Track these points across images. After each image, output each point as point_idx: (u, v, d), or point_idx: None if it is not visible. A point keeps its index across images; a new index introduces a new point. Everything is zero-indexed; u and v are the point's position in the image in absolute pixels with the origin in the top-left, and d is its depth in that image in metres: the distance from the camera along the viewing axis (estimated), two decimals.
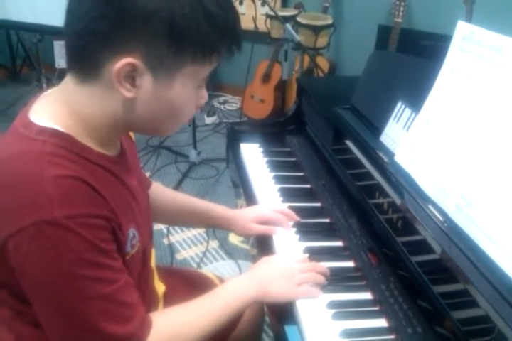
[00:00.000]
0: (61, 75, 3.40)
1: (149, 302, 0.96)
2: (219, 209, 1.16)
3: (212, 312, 0.84)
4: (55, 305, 0.70)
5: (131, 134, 0.97)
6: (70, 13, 0.71)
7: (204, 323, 0.83)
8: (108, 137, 0.78)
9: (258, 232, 1.11)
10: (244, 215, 1.13)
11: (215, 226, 1.19)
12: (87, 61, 0.71)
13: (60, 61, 3.47)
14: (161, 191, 1.15)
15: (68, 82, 0.75)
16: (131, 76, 0.69)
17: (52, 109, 0.75)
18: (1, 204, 0.68)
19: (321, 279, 0.93)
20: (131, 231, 0.79)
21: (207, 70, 0.75)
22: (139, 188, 0.89)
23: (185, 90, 0.74)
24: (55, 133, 0.72)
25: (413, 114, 1.02)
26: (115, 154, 0.82)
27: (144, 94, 0.72)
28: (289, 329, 0.86)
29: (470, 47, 0.91)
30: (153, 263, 1.01)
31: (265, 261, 0.97)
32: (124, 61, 0.68)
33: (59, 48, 3.45)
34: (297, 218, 1.13)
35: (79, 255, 0.68)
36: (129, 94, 0.71)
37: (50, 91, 0.80)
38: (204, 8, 0.68)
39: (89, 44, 0.69)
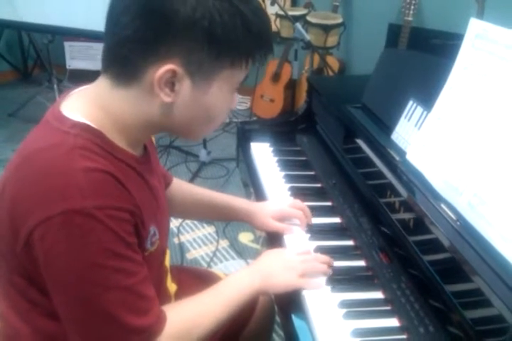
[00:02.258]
0: (72, 76, 3.44)
1: (162, 301, 0.96)
2: (238, 202, 1.16)
3: (220, 305, 0.85)
4: (76, 294, 0.71)
5: (152, 137, 0.98)
6: (113, 21, 0.72)
7: (212, 317, 0.84)
8: (137, 138, 0.80)
9: (275, 229, 1.10)
10: (265, 209, 1.13)
11: (234, 219, 1.19)
12: (127, 67, 0.73)
13: (71, 62, 3.49)
14: (180, 185, 1.17)
15: (102, 84, 0.77)
16: (170, 81, 0.72)
17: (85, 107, 0.77)
18: (31, 193, 0.69)
19: (323, 269, 0.94)
20: (152, 229, 0.80)
21: (242, 75, 0.77)
22: (160, 189, 0.90)
23: (221, 94, 0.77)
24: (87, 129, 0.73)
25: (425, 112, 1.02)
26: (140, 154, 0.83)
27: (182, 98, 0.74)
28: (300, 329, 0.86)
29: (483, 45, 0.90)
30: (167, 262, 1.01)
31: (267, 254, 0.98)
32: (166, 68, 0.70)
33: (70, 49, 3.47)
34: (311, 220, 1.12)
35: (104, 245, 0.69)
36: (167, 99, 0.73)
37: (80, 89, 0.81)
38: (241, 15, 0.71)
39: (133, 52, 0.71)
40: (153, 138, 0.99)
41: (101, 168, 0.70)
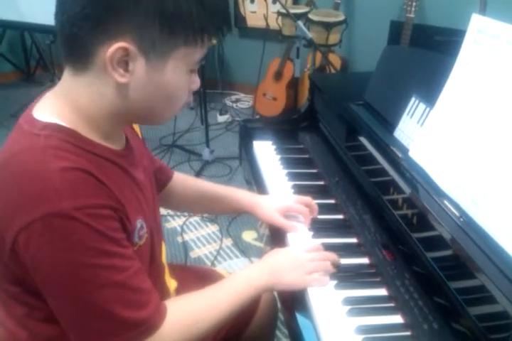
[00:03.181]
0: None
1: (161, 298, 0.96)
2: (242, 194, 1.15)
3: (225, 300, 0.85)
4: (68, 295, 0.71)
5: (138, 131, 0.98)
6: (61, 0, 0.71)
7: (217, 311, 0.83)
8: (109, 130, 0.78)
9: (279, 225, 1.09)
10: (270, 203, 1.12)
11: (237, 210, 1.18)
12: (80, 49, 0.71)
13: None
14: (182, 178, 1.16)
15: (65, 76, 0.76)
16: (124, 61, 0.70)
17: (54, 105, 0.76)
18: (10, 199, 0.69)
19: (331, 268, 0.93)
20: (139, 222, 0.79)
21: (198, 53, 0.75)
22: (146, 182, 0.89)
23: (177, 74, 0.74)
24: (58, 128, 0.72)
25: (427, 109, 1.01)
26: (120, 148, 0.82)
27: (137, 78, 0.72)
28: (304, 326, 0.85)
29: (485, 41, 0.90)
30: (163, 258, 1.01)
31: (276, 251, 0.97)
32: (117, 45, 0.68)
33: None
34: (316, 214, 1.12)
35: (89, 245, 0.68)
36: (122, 80, 0.71)
37: (52, 89, 0.80)
38: None
39: (82, 30, 0.69)
40: (139, 131, 0.98)
41: (76, 167, 0.69)
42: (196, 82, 0.80)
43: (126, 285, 0.72)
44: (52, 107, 0.75)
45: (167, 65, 0.73)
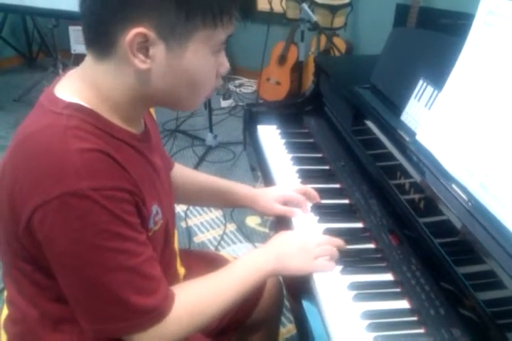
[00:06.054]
0: (77, 61, 3.41)
1: (172, 284, 0.96)
2: (241, 188, 1.15)
3: (232, 285, 0.84)
4: (79, 276, 0.71)
5: (154, 116, 0.97)
6: None
7: (224, 296, 0.83)
8: (131, 114, 0.78)
9: (279, 212, 1.09)
10: (267, 194, 1.12)
11: (236, 205, 1.18)
12: (102, 36, 0.71)
13: (76, 46, 3.47)
14: (182, 171, 1.15)
15: (87, 60, 0.76)
16: (144, 47, 0.70)
17: (77, 87, 0.75)
18: (28, 177, 0.69)
19: (337, 253, 0.93)
20: (155, 208, 0.79)
21: (220, 35, 0.74)
22: (162, 167, 0.89)
23: (199, 58, 0.74)
24: (80, 109, 0.72)
25: (435, 92, 1.00)
26: (139, 132, 0.82)
27: (158, 64, 0.72)
28: (310, 312, 0.85)
29: (495, 21, 0.88)
30: (176, 245, 1.00)
31: (282, 235, 0.96)
32: (135, 31, 0.68)
33: (74, 34, 3.45)
34: (319, 199, 1.11)
35: (103, 226, 0.68)
36: (143, 66, 0.71)
37: (75, 69, 0.80)
38: None
39: (103, 18, 0.69)
40: (155, 117, 0.98)
41: (96, 148, 0.69)
42: (225, 65, 0.80)
43: (137, 270, 0.72)
44: (75, 88, 0.75)
45: (188, 50, 0.72)
